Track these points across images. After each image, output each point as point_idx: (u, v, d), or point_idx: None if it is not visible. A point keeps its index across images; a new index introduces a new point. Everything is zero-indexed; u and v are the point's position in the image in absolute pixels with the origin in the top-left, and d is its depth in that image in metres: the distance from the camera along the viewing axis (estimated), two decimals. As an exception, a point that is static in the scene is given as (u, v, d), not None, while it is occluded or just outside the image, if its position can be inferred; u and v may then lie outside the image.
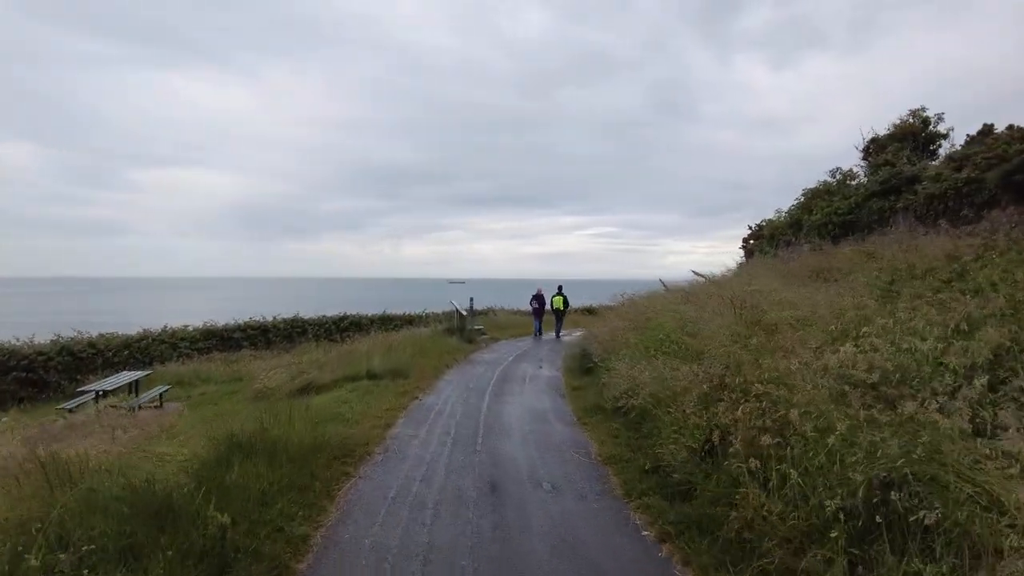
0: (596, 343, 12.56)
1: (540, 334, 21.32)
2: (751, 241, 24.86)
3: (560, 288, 21.51)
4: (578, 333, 23.75)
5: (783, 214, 21.15)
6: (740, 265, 23.23)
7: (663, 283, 19.65)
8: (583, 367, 12.40)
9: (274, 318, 25.59)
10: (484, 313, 29.92)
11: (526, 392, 10.70)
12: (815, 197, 17.13)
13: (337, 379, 11.74)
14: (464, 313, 19.07)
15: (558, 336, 20.52)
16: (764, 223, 23.37)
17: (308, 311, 26.64)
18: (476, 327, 21.02)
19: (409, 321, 28.82)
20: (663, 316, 10.26)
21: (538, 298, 21.36)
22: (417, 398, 10.09)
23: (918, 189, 12.35)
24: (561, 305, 21.06)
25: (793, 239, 19.03)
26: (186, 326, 22.33)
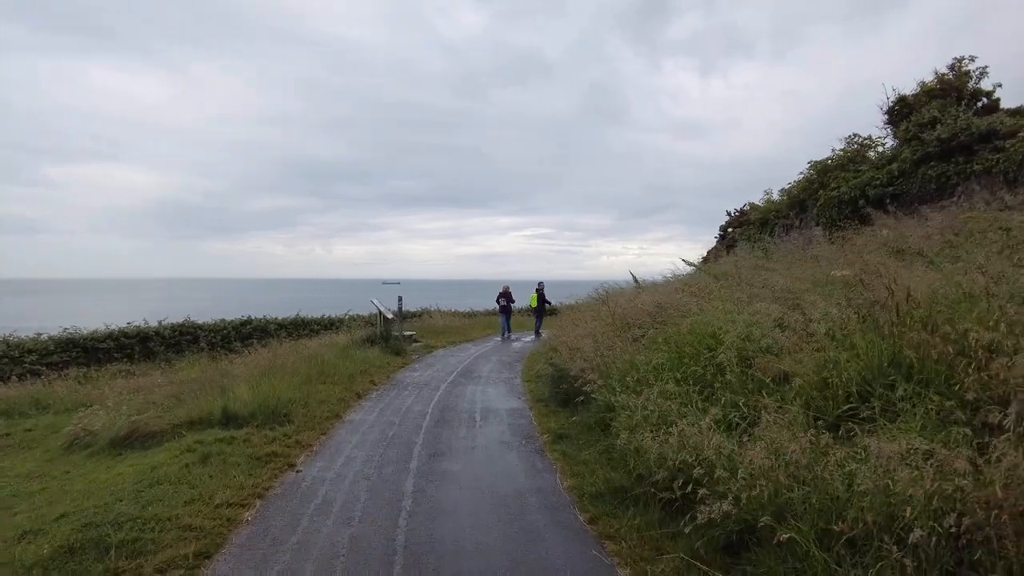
0: (572, 355, 8.74)
1: (509, 333, 20.09)
2: (731, 229, 21.67)
3: (539, 287, 20.10)
4: (530, 338, 20.01)
5: (775, 195, 17.92)
6: (714, 259, 20.01)
7: (636, 279, 16.23)
8: (560, 394, 8.49)
9: (159, 323, 20.67)
10: (418, 315, 25.58)
11: (479, 448, 6.62)
12: (829, 170, 13.85)
13: (180, 423, 7.36)
14: (390, 316, 14.79)
15: (538, 330, 19.46)
16: (747, 207, 20.23)
17: (230, 313, 23.79)
18: (406, 333, 16.76)
19: (328, 325, 24.25)
20: (712, 317, 6.38)
21: (505, 296, 20.22)
22: (293, 466, 5.87)
23: (1006, 146, 9.10)
24: (534, 303, 19.92)
25: (796, 223, 15.79)
26: (39, 335, 17.12)
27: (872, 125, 14.93)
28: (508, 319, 20.20)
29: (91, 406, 12.84)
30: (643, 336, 8.12)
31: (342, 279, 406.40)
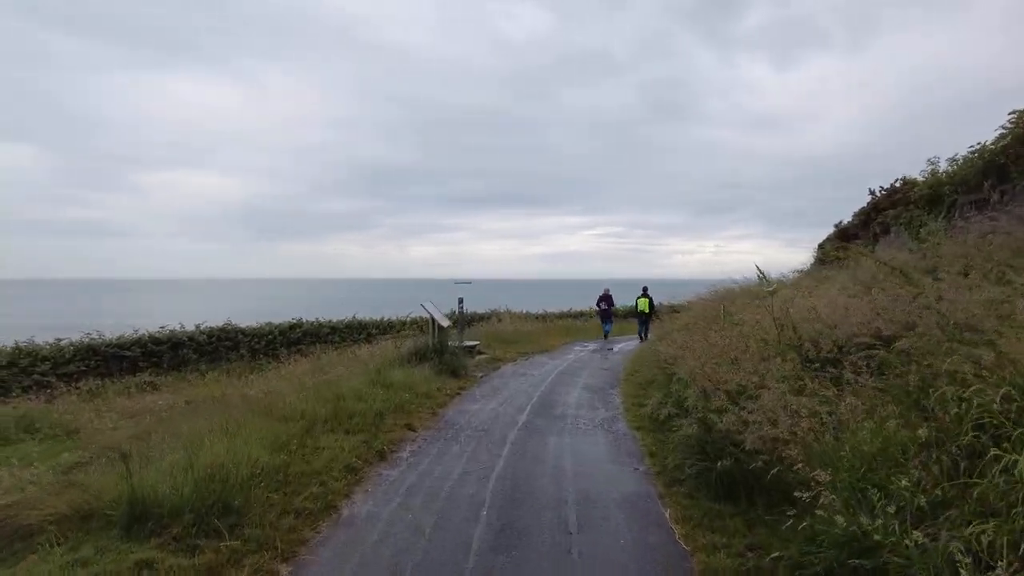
0: (726, 400, 5.19)
1: (607, 338, 19.13)
2: (872, 216, 17.06)
3: (645, 289, 18.87)
4: (628, 346, 16.34)
5: (942, 164, 13.31)
6: (835, 253, 15.67)
7: (763, 275, 12.38)
8: (715, 476, 4.88)
9: (196, 327, 18.48)
10: (485, 318, 22.38)
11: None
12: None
13: (63, 515, 4.32)
14: (445, 324, 11.51)
15: (646, 337, 17.93)
16: (898, 182, 15.67)
17: (312, 313, 22.67)
18: (468, 343, 13.48)
19: (387, 329, 21.47)
20: None
21: (606, 299, 19.29)
22: None
23: None
24: (647, 308, 18.55)
25: (996, 197, 11.32)
26: (59, 340, 15.07)
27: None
28: (609, 323, 19.33)
29: (74, 433, 10.43)
30: (845, 371, 4.51)
31: (416, 279, 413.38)
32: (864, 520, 2.93)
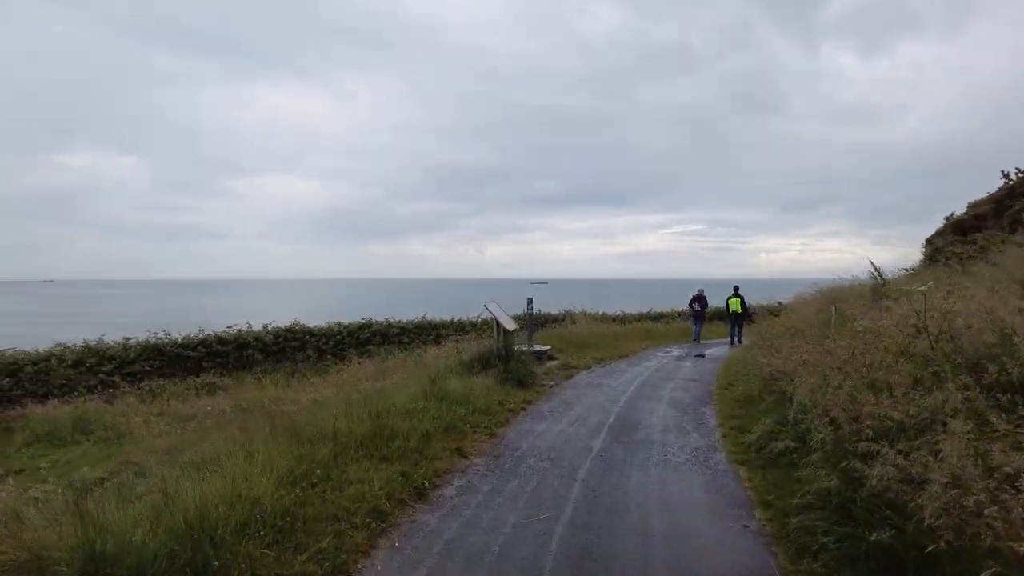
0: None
1: (698, 341, 18.22)
2: (1006, 203, 14.48)
3: (736, 289, 17.84)
4: (717, 351, 14.59)
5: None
6: (953, 248, 13.34)
7: (877, 271, 10.74)
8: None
9: (264, 327, 18.28)
10: (559, 319, 21.07)
11: None
12: None
13: (10, 567, 3.42)
14: (511, 328, 10.31)
15: (739, 342, 17.10)
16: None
17: (400, 312, 22.58)
18: (537, 348, 12.25)
19: (458, 329, 20.64)
20: None
21: (699, 299, 18.46)
22: None
23: None
24: (739, 308, 17.57)
25: None
26: (127, 339, 15.10)
27: None
28: (701, 326, 18.45)
29: (122, 437, 10.02)
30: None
31: (493, 279, 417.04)
32: None
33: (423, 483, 4.92)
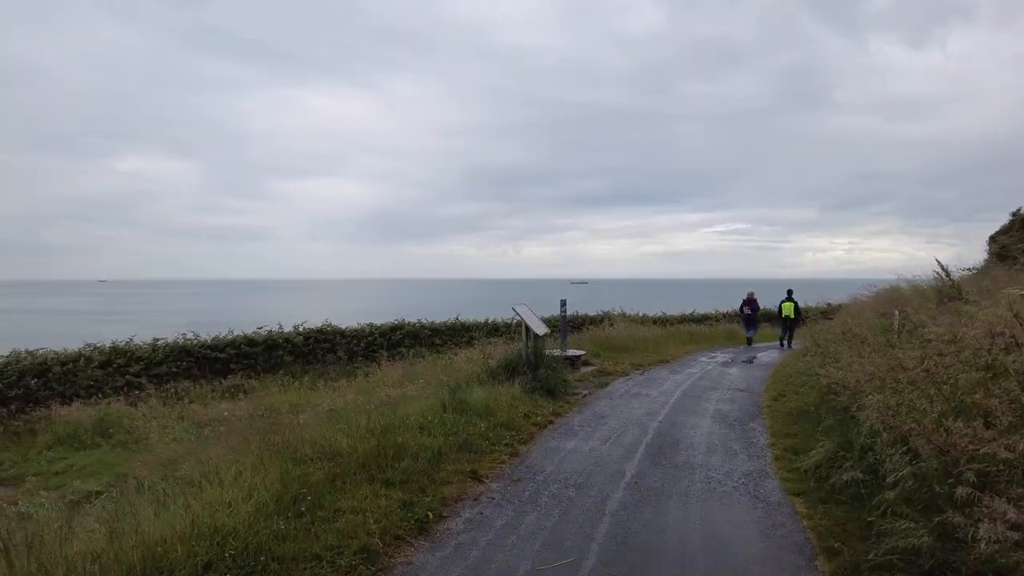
0: None
1: (751, 344, 17.90)
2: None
3: (790, 293, 17.56)
4: (766, 357, 13.57)
5: None
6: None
7: (944, 270, 9.62)
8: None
9: (295, 328, 18.04)
10: (597, 321, 20.23)
11: None
12: None
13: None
14: (541, 332, 9.60)
15: (789, 346, 16.79)
16: None
17: (439, 313, 22.15)
18: (571, 353, 11.51)
19: (492, 331, 20.00)
20: None
21: (750, 303, 18.11)
22: None
23: None
24: (791, 312, 17.25)
25: None
26: (156, 340, 15.01)
27: None
28: (753, 330, 18.17)
29: (137, 442, 9.72)
30: None
31: (531, 279, 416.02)
32: None
33: (427, 514, 4.27)
